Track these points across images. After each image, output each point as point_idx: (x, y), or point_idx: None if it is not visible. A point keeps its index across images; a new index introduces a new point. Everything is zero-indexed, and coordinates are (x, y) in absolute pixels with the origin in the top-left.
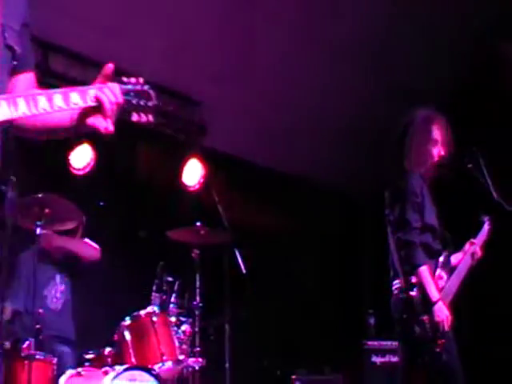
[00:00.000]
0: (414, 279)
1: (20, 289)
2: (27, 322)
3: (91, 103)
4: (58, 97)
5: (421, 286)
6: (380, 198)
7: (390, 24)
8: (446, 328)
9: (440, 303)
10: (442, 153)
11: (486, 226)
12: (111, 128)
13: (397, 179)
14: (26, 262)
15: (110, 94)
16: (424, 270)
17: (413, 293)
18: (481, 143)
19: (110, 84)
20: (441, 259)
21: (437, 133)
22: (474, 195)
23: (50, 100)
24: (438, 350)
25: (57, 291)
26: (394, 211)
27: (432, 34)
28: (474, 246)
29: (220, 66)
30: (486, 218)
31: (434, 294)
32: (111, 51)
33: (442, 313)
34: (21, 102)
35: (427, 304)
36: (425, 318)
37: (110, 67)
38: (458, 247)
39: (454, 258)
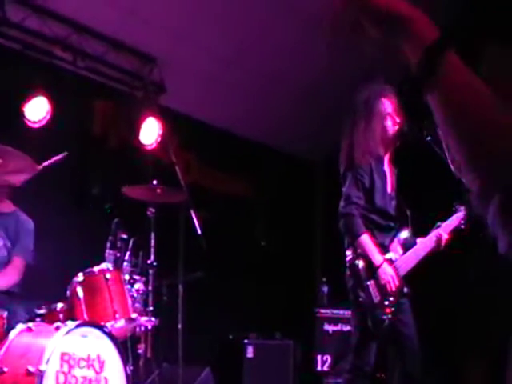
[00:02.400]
0: (358, 249)
1: None
2: None
3: None
4: None
5: (364, 255)
6: (335, 164)
7: None
8: (393, 288)
9: (384, 265)
10: (398, 120)
11: (460, 215)
12: None
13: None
14: None
15: None
16: (364, 238)
17: (358, 261)
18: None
19: None
20: (400, 234)
21: (385, 106)
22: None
23: None
24: (383, 316)
25: None
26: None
27: None
28: (439, 229)
29: (178, 24)
30: (461, 208)
31: (377, 258)
32: (70, 3)
33: (387, 274)
34: None
35: (373, 270)
36: (370, 283)
37: None
38: (423, 224)
39: (419, 240)
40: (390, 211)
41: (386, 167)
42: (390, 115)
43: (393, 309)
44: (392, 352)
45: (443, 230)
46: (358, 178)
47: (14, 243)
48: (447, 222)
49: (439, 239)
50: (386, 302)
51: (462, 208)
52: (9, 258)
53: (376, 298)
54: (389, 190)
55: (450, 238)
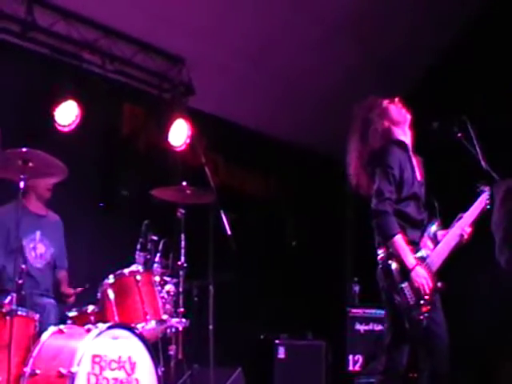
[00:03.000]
0: (391, 249)
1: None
2: (11, 276)
3: None
4: None
5: (397, 256)
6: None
7: None
8: (427, 291)
9: (417, 268)
10: (408, 116)
11: (485, 196)
12: None
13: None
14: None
15: None
16: (398, 239)
17: (391, 261)
18: (469, 112)
19: None
20: (430, 229)
21: (395, 111)
22: (464, 164)
23: None
24: (420, 317)
25: (36, 247)
26: (375, 183)
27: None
28: (462, 221)
29: (208, 27)
30: (485, 189)
31: (409, 261)
32: (98, 7)
33: (420, 277)
34: None
35: (406, 272)
36: (404, 285)
37: None
38: (446, 216)
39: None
40: (422, 198)
41: (412, 156)
42: (400, 103)
43: (429, 307)
44: (422, 351)
45: (465, 222)
46: (387, 172)
47: (54, 246)
48: (468, 213)
49: (462, 236)
50: (422, 302)
51: (487, 188)
52: (54, 263)
53: (411, 299)
54: (418, 177)
55: (473, 230)
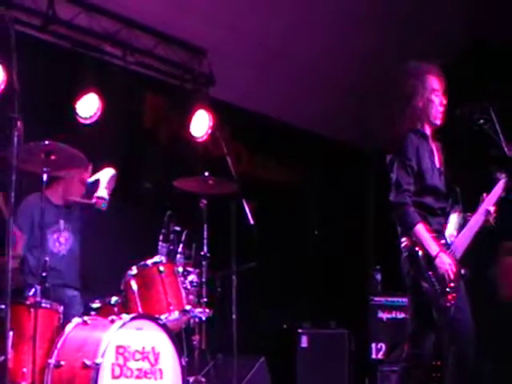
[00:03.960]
0: (414, 238)
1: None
2: (33, 265)
3: None
4: None
5: (420, 245)
6: (387, 152)
7: None
8: (452, 277)
9: (441, 255)
10: (444, 101)
11: (502, 184)
12: None
13: (394, 141)
14: (28, 206)
15: None
16: (419, 228)
17: (417, 249)
18: (492, 99)
19: None
20: (452, 217)
21: (434, 81)
22: (486, 151)
23: None
24: (447, 304)
25: (60, 236)
26: (393, 174)
27: None
28: (485, 203)
29: (228, 16)
30: (502, 176)
31: (432, 248)
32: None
33: (444, 263)
34: None
35: (431, 260)
36: (430, 273)
37: None
38: (469, 202)
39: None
40: (441, 188)
41: (431, 143)
42: (436, 91)
43: (455, 294)
44: (447, 339)
45: (488, 202)
46: (405, 163)
47: (76, 235)
48: (490, 194)
49: (488, 213)
50: (448, 289)
51: (503, 176)
52: (78, 252)
53: (438, 287)
54: (437, 164)
55: (496, 210)
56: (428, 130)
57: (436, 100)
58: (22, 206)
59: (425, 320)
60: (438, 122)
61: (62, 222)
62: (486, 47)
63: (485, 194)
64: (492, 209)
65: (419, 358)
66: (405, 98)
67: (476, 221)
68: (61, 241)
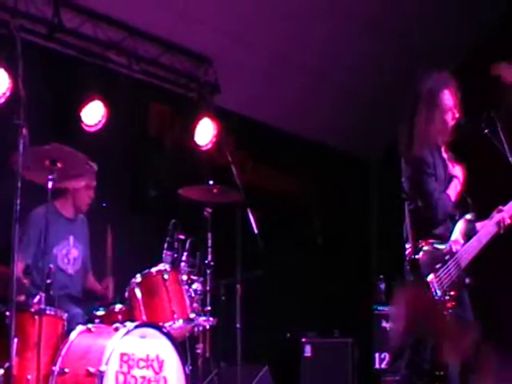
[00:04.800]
0: (422, 243)
1: (30, 244)
2: (37, 278)
3: None
4: None
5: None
6: (388, 162)
7: None
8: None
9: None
10: (457, 115)
11: None
12: None
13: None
14: (38, 218)
15: None
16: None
17: (419, 256)
18: (497, 108)
19: None
20: (459, 225)
21: (447, 99)
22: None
23: None
24: (445, 312)
25: (69, 252)
26: (411, 181)
27: None
28: (502, 214)
29: (233, 25)
30: None
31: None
32: (124, 7)
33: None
34: None
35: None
36: (430, 279)
37: None
38: (481, 213)
39: (479, 225)
40: (453, 198)
41: (444, 154)
42: (451, 109)
43: (454, 303)
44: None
45: (506, 213)
46: (427, 172)
47: (85, 249)
48: (510, 205)
49: (500, 223)
50: (447, 297)
51: None
52: (85, 267)
53: (437, 293)
54: (449, 174)
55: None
56: (440, 141)
57: (449, 116)
58: (32, 217)
59: None
60: (450, 137)
61: (71, 238)
62: None
63: (500, 207)
64: (508, 220)
65: (420, 365)
66: (421, 111)
67: (488, 232)
68: (69, 257)
